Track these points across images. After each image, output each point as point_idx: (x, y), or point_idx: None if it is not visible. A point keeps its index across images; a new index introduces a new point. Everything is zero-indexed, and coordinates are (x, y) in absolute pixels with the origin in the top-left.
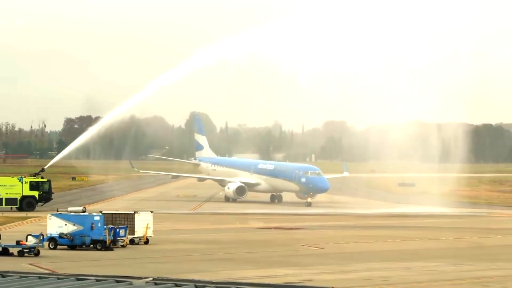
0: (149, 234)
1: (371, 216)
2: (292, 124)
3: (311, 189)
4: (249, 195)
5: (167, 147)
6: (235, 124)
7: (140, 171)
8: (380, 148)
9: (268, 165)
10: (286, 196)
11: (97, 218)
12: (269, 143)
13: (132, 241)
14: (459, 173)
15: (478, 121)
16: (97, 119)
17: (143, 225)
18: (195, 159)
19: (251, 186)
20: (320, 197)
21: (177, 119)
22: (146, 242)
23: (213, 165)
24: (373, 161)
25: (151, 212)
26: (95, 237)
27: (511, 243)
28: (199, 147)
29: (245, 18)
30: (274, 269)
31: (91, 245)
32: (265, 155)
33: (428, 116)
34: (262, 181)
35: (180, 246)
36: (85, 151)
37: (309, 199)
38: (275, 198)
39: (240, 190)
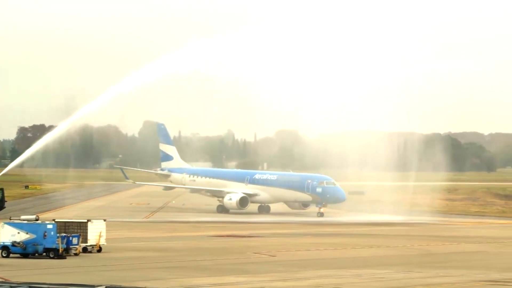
0: (102, 242)
1: (322, 223)
2: (244, 133)
3: (328, 200)
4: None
5: (120, 156)
6: (188, 133)
7: (137, 182)
8: (331, 157)
9: (268, 175)
10: (277, 207)
11: (50, 226)
12: (222, 151)
13: (85, 249)
14: (409, 182)
15: (428, 130)
16: (50, 127)
17: (96, 233)
18: (161, 169)
19: (250, 197)
20: (272, 206)
21: (130, 128)
22: (99, 250)
23: (191, 176)
24: (324, 169)
25: (104, 220)
26: (48, 246)
27: (460, 250)
28: (167, 158)
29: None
30: (226, 276)
31: (44, 254)
32: (218, 163)
33: (379, 125)
34: (261, 192)
35: (133, 254)
36: (38, 160)
37: (321, 210)
38: (263, 209)
39: (244, 201)
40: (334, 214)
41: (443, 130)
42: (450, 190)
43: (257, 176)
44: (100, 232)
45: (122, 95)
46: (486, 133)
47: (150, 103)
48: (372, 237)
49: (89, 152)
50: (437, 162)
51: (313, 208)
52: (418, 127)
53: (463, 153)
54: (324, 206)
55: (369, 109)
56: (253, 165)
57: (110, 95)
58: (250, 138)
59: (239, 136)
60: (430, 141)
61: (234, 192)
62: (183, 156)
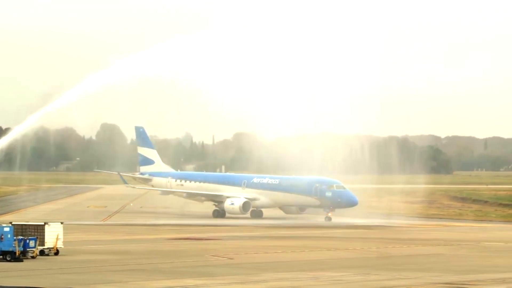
0: (59, 245)
1: (280, 226)
2: (203, 136)
3: (339, 204)
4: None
5: (78, 159)
6: None
7: (137, 187)
8: (288, 160)
9: (268, 179)
10: (270, 211)
11: (6, 229)
12: (180, 154)
13: (42, 252)
14: (366, 184)
15: (385, 133)
16: (7, 130)
17: (53, 236)
18: (141, 173)
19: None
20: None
21: (88, 131)
22: (56, 253)
23: (178, 180)
24: (282, 172)
25: (61, 223)
26: (5, 248)
27: (417, 253)
28: (147, 161)
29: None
30: (184, 279)
31: (1, 256)
32: (176, 166)
33: (337, 128)
34: (261, 196)
35: (91, 257)
36: None
37: (329, 214)
38: (256, 213)
39: (247, 206)
40: (289, 217)
41: (400, 133)
42: (407, 193)
43: (255, 180)
44: (58, 235)
45: (80, 98)
46: (443, 136)
47: (108, 105)
48: (330, 240)
49: (46, 154)
50: (394, 165)
51: (308, 212)
52: (376, 130)
53: (420, 156)
54: (332, 210)
55: (327, 112)
56: (211, 168)
57: (67, 97)
58: (208, 141)
59: (197, 139)
60: (387, 144)
61: (236, 196)
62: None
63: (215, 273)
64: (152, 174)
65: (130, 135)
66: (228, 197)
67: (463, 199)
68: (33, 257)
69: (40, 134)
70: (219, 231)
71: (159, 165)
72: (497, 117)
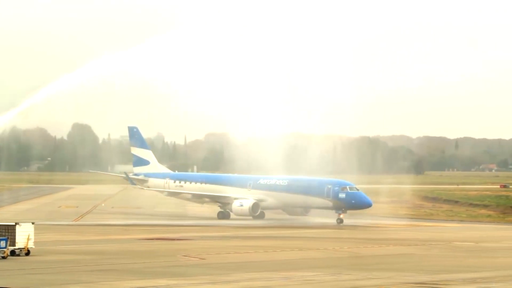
0: (30, 245)
1: (251, 226)
2: (174, 136)
3: (353, 205)
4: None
5: (49, 159)
6: (117, 136)
7: (145, 188)
8: (260, 160)
9: (275, 180)
10: (270, 213)
11: None
12: None
13: (13, 253)
14: None
15: (357, 133)
16: None
17: (24, 236)
18: (135, 174)
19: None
20: (196, 208)
21: (59, 131)
22: (27, 253)
23: (177, 181)
24: (254, 172)
25: (33, 223)
26: None
27: (389, 253)
28: (141, 162)
29: (129, 33)
30: (156, 279)
31: None
32: (174, 167)
33: (308, 128)
34: (268, 197)
35: (63, 257)
36: None
37: (341, 216)
38: (259, 214)
39: (256, 207)
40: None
41: (372, 133)
42: (378, 193)
43: (262, 181)
44: (29, 235)
45: (51, 98)
46: (414, 136)
47: (80, 105)
48: (302, 240)
49: (17, 155)
50: (365, 165)
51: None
52: (348, 130)
53: (391, 156)
54: (344, 212)
55: (298, 113)
56: (183, 168)
57: (39, 97)
58: (180, 141)
59: (169, 139)
60: (359, 144)
61: (244, 198)
62: (109, 158)
63: (187, 273)
64: (148, 175)
65: (102, 135)
66: (235, 198)
67: (434, 199)
68: (3, 258)
69: (11, 134)
70: (190, 231)
71: (155, 166)
72: (468, 117)
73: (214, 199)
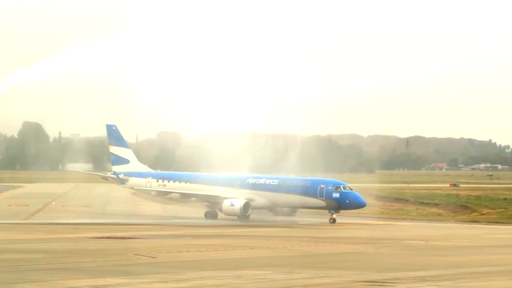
0: None
1: (203, 225)
2: (126, 134)
3: (347, 205)
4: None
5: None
6: (68, 134)
7: (136, 188)
8: (212, 158)
9: (265, 179)
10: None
11: None
12: (102, 153)
13: None
14: None
15: (308, 132)
16: None
17: None
18: (114, 173)
19: None
20: (150, 207)
21: (9, 129)
22: None
23: (160, 180)
24: (207, 170)
25: None
26: None
27: (340, 251)
28: (120, 161)
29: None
30: (107, 278)
31: None
32: (99, 165)
33: (260, 127)
34: (257, 197)
35: (12, 255)
36: None
37: (334, 216)
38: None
39: (247, 207)
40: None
41: (323, 132)
42: None
43: (250, 181)
44: None
45: (1, 95)
46: (365, 135)
47: (30, 103)
48: (253, 238)
49: None
50: (317, 164)
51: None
52: (299, 129)
53: (342, 155)
54: (337, 212)
55: (251, 111)
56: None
57: None
58: (132, 140)
59: None
60: (311, 143)
61: (235, 197)
62: (60, 157)
63: (138, 272)
64: (128, 174)
65: (52, 133)
66: (225, 198)
67: (385, 198)
68: None
69: None
70: (140, 230)
71: (135, 165)
72: (418, 116)
73: (203, 198)
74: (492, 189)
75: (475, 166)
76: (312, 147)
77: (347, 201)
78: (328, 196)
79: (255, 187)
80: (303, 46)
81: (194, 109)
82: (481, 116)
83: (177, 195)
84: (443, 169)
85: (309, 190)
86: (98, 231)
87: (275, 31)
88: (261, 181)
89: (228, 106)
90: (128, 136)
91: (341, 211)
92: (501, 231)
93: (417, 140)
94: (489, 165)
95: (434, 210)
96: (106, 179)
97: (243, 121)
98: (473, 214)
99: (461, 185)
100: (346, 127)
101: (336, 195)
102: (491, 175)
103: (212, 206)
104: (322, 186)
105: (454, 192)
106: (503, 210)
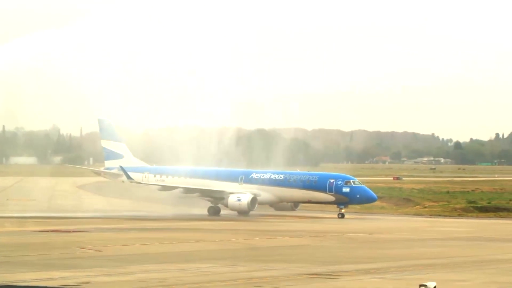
0: None
1: (148, 218)
2: (70, 128)
3: (357, 200)
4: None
5: None
6: (12, 128)
7: (141, 183)
8: (156, 152)
9: (270, 174)
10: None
11: None
12: (47, 146)
13: None
14: None
15: (253, 126)
16: None
17: None
18: (107, 168)
19: None
20: (94, 200)
21: None
22: None
23: (158, 175)
24: (151, 164)
25: None
26: None
27: (284, 244)
28: (114, 155)
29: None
30: (51, 271)
31: None
32: (43, 158)
33: (205, 120)
34: (262, 192)
35: None
36: None
37: (343, 210)
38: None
39: (254, 202)
40: (157, 209)
41: (267, 126)
42: None
43: (254, 175)
44: None
45: None
46: (309, 129)
47: None
48: (198, 232)
49: None
50: (262, 158)
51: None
52: (244, 123)
53: (287, 149)
54: (346, 206)
55: (195, 105)
56: (79, 160)
57: None
58: (76, 133)
59: (65, 131)
60: (256, 136)
61: (241, 192)
62: (5, 150)
63: (83, 265)
64: (123, 169)
65: None
66: (231, 193)
67: None
68: None
69: None
70: (85, 223)
71: (130, 160)
72: (361, 110)
73: (206, 193)
74: (435, 182)
75: (418, 159)
76: (257, 140)
77: (358, 196)
78: (337, 191)
79: (260, 182)
80: (249, 41)
81: (139, 103)
82: (424, 111)
83: (181, 190)
84: (386, 163)
85: (317, 184)
86: (43, 224)
87: (220, 26)
88: (266, 176)
89: (172, 100)
90: (72, 130)
91: (349, 206)
92: (444, 224)
93: (361, 134)
94: (432, 158)
95: (377, 203)
96: (98, 174)
97: (188, 115)
98: (416, 207)
99: (404, 178)
100: (290, 121)
101: (346, 189)
102: (434, 169)
103: (216, 201)
104: (332, 180)
105: (397, 185)
106: (446, 203)
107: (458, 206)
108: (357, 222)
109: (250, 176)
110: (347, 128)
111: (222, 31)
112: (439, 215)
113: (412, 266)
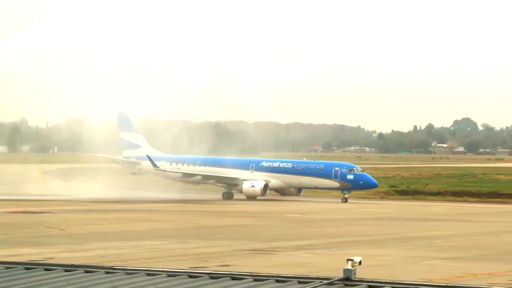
0: None
1: (107, 201)
2: (37, 120)
3: (360, 186)
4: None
5: None
6: None
7: (167, 170)
8: (114, 142)
9: (279, 163)
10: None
11: None
12: (16, 137)
13: None
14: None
15: (201, 118)
16: None
17: None
18: (125, 157)
19: None
20: (59, 185)
21: None
22: None
23: (174, 164)
24: (105, 152)
25: None
26: None
27: (228, 224)
28: (132, 146)
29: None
30: (19, 248)
31: None
32: (12, 148)
33: (157, 113)
34: (271, 179)
35: None
36: None
37: (346, 195)
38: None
39: (266, 188)
40: (114, 193)
41: (214, 118)
42: None
43: (264, 164)
44: None
45: None
46: (250, 121)
47: None
48: (152, 213)
49: None
50: (208, 148)
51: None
52: (194, 116)
53: (231, 140)
54: (349, 192)
55: (149, 97)
56: (45, 149)
57: None
58: (42, 125)
59: (33, 123)
60: (203, 128)
61: (254, 179)
62: None
63: (48, 243)
64: (140, 158)
65: None
66: (244, 179)
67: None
68: None
69: None
70: (52, 205)
71: (146, 149)
72: (297, 103)
73: (222, 180)
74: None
75: (346, 148)
76: (205, 132)
77: (361, 182)
78: (342, 178)
79: (269, 169)
80: (196, 36)
81: (98, 97)
82: (351, 105)
83: (199, 177)
84: (318, 151)
85: (323, 172)
86: (12, 206)
87: (168, 21)
88: (275, 164)
89: (128, 93)
90: (39, 121)
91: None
92: (369, 205)
93: (296, 126)
94: (358, 148)
95: None
96: (117, 162)
97: (142, 108)
98: None
99: None
100: (234, 114)
101: (350, 176)
102: (360, 157)
103: (230, 187)
104: (337, 168)
105: None
106: None
107: (381, 190)
108: (293, 204)
109: (260, 165)
110: (284, 120)
111: (176, 27)
112: (364, 198)
113: (341, 242)
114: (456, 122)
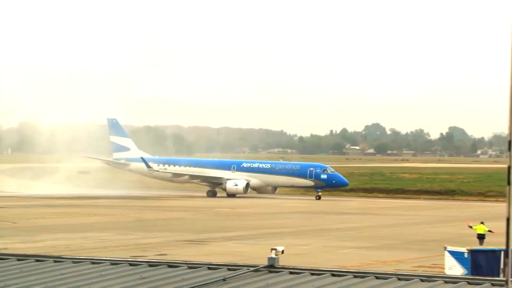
0: None
1: (56, 197)
2: None
3: (333, 185)
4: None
5: None
6: None
7: (160, 171)
8: (61, 144)
9: (258, 164)
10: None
11: None
12: None
13: None
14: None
15: (141, 123)
16: None
17: None
18: (116, 159)
19: None
20: (10, 183)
21: None
22: None
23: (161, 165)
24: (55, 155)
25: None
26: None
27: (165, 217)
28: (121, 148)
29: None
30: None
31: None
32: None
33: (101, 118)
34: (251, 178)
35: None
36: None
37: (320, 193)
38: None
39: (247, 186)
40: (64, 190)
41: (152, 123)
42: None
43: (245, 165)
44: None
45: None
46: (186, 126)
47: None
48: (96, 208)
49: None
50: (149, 148)
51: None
52: (133, 120)
53: (168, 142)
54: (322, 190)
55: (95, 105)
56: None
57: None
58: None
59: None
60: (142, 132)
61: (237, 179)
62: None
63: (1, 235)
64: (129, 160)
65: None
66: (228, 179)
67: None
68: None
69: None
70: (5, 201)
71: (135, 152)
72: (226, 110)
73: (207, 179)
74: None
75: (271, 150)
76: (143, 135)
77: (334, 181)
78: (316, 177)
79: (249, 170)
80: (140, 45)
81: (48, 103)
82: (276, 112)
83: (187, 177)
84: (246, 153)
85: (299, 172)
86: None
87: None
88: (255, 165)
89: (82, 98)
90: None
91: (318, 189)
92: (290, 201)
93: (226, 130)
94: (281, 149)
95: None
96: (108, 163)
97: (86, 112)
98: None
99: None
100: (170, 119)
101: (324, 176)
102: (283, 157)
103: (214, 186)
104: (311, 169)
105: None
106: None
107: None
108: (223, 200)
109: (241, 165)
110: (215, 125)
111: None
112: (287, 194)
113: (265, 234)
114: (367, 127)
